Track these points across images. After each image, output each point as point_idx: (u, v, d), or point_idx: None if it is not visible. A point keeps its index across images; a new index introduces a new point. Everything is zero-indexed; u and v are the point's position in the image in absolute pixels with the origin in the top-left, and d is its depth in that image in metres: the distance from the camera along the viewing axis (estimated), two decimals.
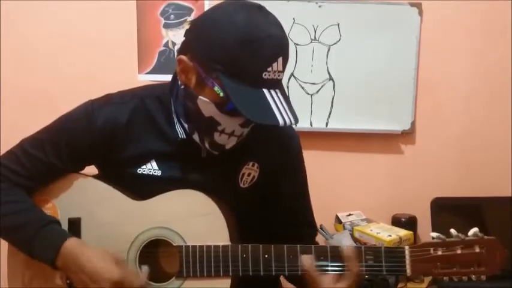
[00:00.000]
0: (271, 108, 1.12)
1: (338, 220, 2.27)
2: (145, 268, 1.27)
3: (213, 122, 1.20)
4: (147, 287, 1.26)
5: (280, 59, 1.12)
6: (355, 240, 2.14)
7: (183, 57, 1.19)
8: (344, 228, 2.22)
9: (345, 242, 2.09)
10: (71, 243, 1.23)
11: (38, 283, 1.31)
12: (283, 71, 1.15)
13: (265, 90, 1.13)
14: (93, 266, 1.20)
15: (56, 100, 2.27)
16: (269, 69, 1.11)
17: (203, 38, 1.15)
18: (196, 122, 1.24)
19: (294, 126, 1.22)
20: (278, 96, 1.14)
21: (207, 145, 1.26)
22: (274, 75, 1.13)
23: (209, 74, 1.14)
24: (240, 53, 1.09)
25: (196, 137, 1.26)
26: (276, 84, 1.14)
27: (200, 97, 1.18)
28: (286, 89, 2.28)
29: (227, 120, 1.20)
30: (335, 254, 1.22)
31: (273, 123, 1.11)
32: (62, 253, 1.22)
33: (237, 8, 1.13)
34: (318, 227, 2.17)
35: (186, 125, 1.27)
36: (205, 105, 1.18)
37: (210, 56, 1.13)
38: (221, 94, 1.14)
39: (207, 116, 1.20)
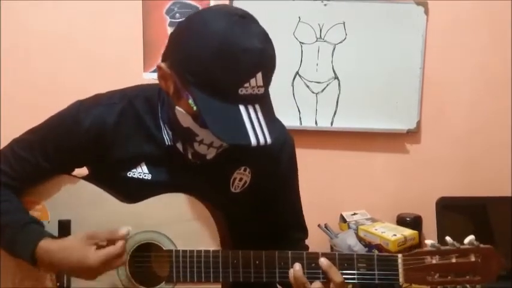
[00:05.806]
0: (245, 126, 1.05)
1: (343, 219, 2.27)
2: (126, 228, 1.23)
3: (191, 133, 1.17)
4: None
5: (259, 74, 1.05)
6: (360, 239, 2.13)
7: (161, 64, 1.13)
8: (349, 227, 2.22)
9: (350, 241, 2.08)
10: (44, 243, 1.22)
11: (29, 284, 1.31)
12: (264, 86, 1.07)
13: (241, 107, 1.06)
14: (69, 261, 1.19)
15: (61, 99, 2.25)
16: (246, 85, 1.04)
17: (179, 47, 1.10)
18: (176, 131, 1.22)
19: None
20: (256, 113, 1.07)
21: (189, 155, 1.24)
22: (253, 91, 1.06)
23: (184, 85, 1.09)
24: (214, 67, 1.03)
25: (179, 145, 1.24)
26: (254, 100, 1.07)
27: (177, 107, 1.15)
28: (291, 88, 2.31)
29: (204, 132, 1.16)
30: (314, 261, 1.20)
31: (242, 143, 1.05)
32: (38, 253, 1.22)
33: (216, 17, 1.06)
34: (323, 226, 2.18)
35: (170, 133, 1.25)
36: (182, 116, 1.15)
37: (184, 67, 1.07)
38: (194, 108, 1.08)
39: (185, 126, 1.17)
